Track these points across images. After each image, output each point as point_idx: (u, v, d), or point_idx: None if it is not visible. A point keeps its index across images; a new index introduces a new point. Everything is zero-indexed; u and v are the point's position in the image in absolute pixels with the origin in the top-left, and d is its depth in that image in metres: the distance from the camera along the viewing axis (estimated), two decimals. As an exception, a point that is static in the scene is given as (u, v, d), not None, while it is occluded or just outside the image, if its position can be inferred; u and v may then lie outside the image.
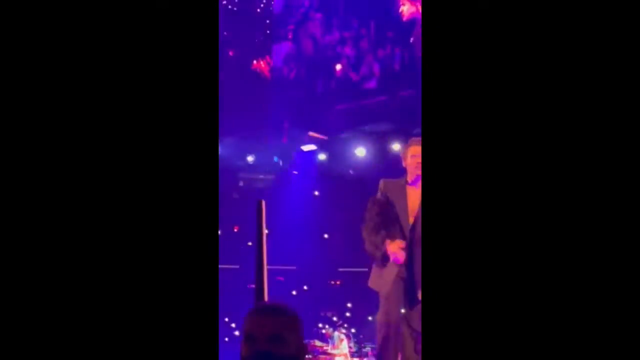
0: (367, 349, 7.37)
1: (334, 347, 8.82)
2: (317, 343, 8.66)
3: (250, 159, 9.97)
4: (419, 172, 4.10)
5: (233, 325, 8.90)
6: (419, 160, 4.07)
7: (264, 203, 3.51)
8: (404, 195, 4.20)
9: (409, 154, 4.23)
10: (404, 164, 4.29)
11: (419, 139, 4.13)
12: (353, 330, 9.15)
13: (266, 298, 3.74)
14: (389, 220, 4.14)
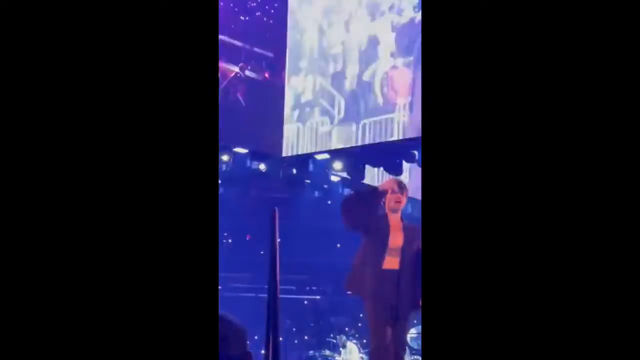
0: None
1: (345, 357, 8.83)
2: (328, 352, 8.68)
3: (262, 167, 9.98)
4: (396, 201, 4.45)
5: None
6: (395, 190, 4.43)
7: (277, 211, 3.51)
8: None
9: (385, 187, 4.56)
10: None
11: (392, 176, 4.66)
12: (365, 340, 9.15)
13: (278, 306, 3.75)
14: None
